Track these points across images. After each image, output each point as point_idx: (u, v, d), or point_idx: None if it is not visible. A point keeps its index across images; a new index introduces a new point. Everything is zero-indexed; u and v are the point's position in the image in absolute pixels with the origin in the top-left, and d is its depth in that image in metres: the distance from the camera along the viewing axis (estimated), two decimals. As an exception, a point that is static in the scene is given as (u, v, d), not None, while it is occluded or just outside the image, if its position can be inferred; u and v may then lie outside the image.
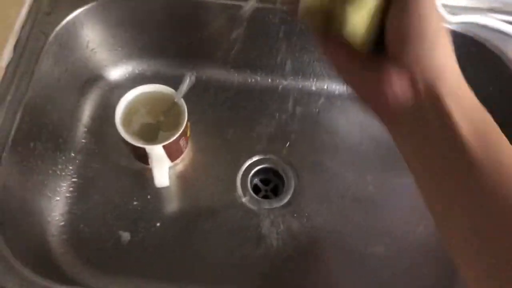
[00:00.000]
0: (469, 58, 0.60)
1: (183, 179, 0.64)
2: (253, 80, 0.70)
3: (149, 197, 0.62)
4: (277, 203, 0.63)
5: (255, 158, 0.65)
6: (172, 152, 0.60)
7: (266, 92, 0.70)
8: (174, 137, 0.56)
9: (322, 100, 0.69)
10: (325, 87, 0.70)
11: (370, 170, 0.64)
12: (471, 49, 0.59)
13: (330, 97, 0.70)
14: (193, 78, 0.57)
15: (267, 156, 0.65)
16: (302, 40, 0.65)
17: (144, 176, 0.62)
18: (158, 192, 0.62)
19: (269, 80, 0.70)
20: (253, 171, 0.65)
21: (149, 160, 0.57)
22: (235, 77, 0.71)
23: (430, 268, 0.59)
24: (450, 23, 0.58)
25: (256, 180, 0.66)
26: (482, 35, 0.57)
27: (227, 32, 0.64)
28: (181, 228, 0.61)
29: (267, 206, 0.62)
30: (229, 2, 0.62)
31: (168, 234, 0.60)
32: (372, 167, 0.65)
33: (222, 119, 0.68)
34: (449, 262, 0.50)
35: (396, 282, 0.58)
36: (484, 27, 0.57)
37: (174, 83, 0.59)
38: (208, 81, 0.70)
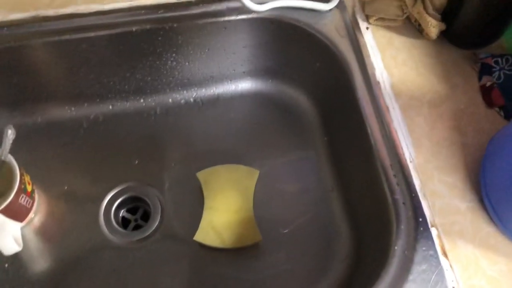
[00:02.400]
0: (288, 41, 0.61)
1: (42, 234, 0.60)
2: (93, 110, 0.67)
3: (6, 265, 0.57)
4: (148, 230, 0.60)
5: (114, 191, 0.62)
6: (16, 214, 0.55)
7: (107, 121, 0.67)
8: (8, 200, 0.52)
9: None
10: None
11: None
12: (288, 32, 0.60)
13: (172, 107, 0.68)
14: (13, 131, 0.53)
15: (126, 185, 0.63)
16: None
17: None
18: (16, 258, 0.57)
19: (110, 107, 0.67)
20: (115, 204, 0.62)
21: (-10, 229, 0.52)
22: (76, 111, 0.67)
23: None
24: (259, 12, 0.58)
25: (123, 212, 0.63)
26: (292, 16, 0.59)
27: (55, 70, 0.60)
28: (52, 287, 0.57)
29: (139, 237, 0.60)
30: (50, 39, 0.58)
31: (39, 298, 0.56)
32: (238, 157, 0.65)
33: (69, 160, 0.64)
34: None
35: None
36: (290, 8, 0.58)
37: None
38: (45, 123, 0.66)
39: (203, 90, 0.69)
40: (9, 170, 0.53)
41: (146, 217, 0.63)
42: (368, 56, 0.57)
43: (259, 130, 0.67)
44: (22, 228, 0.58)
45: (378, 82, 0.55)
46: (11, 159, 0.54)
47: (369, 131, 0.53)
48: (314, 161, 0.65)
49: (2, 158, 0.53)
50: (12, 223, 0.55)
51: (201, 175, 0.62)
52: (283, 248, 0.60)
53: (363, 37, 0.59)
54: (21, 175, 0.54)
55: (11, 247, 0.53)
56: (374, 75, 0.56)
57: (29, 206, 0.58)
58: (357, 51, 0.57)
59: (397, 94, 0.55)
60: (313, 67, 0.63)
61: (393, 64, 0.57)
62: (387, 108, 0.54)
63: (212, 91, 0.69)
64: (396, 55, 0.58)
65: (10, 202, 0.52)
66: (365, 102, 0.54)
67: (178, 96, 0.68)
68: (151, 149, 0.65)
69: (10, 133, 0.53)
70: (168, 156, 0.65)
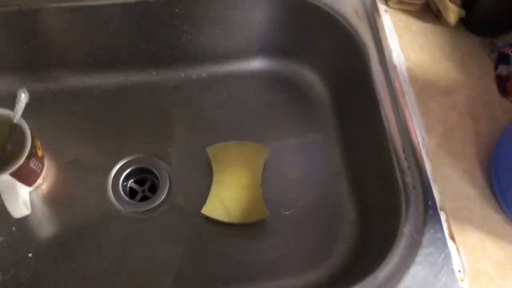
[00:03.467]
0: (305, 20, 0.61)
1: (50, 201, 0.60)
2: (105, 80, 0.67)
3: (13, 228, 0.57)
4: (155, 202, 0.61)
5: (122, 162, 0.62)
6: (26, 178, 0.55)
7: (119, 92, 0.66)
8: (20, 163, 0.52)
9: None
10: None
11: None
12: (306, 10, 0.60)
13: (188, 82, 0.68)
14: (27, 94, 0.53)
15: (135, 156, 0.63)
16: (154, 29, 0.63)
17: (3, 208, 0.57)
18: (23, 222, 0.57)
19: (122, 78, 0.67)
20: (123, 175, 0.62)
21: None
22: (88, 80, 0.66)
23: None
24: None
25: (130, 183, 0.63)
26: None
27: (69, 36, 0.60)
28: (58, 254, 0.57)
29: (146, 208, 0.60)
30: (66, 5, 0.58)
31: (45, 262, 0.56)
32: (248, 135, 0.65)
33: (79, 128, 0.64)
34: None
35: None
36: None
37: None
38: (56, 90, 0.65)
39: (216, 66, 0.69)
40: (21, 133, 0.53)
41: (153, 189, 0.63)
42: (386, 39, 0.57)
43: (269, 109, 0.67)
44: (30, 193, 0.58)
45: (395, 66, 0.55)
46: (23, 122, 0.54)
47: (382, 114, 0.54)
48: (323, 142, 0.65)
49: (14, 121, 0.53)
50: (22, 187, 0.55)
51: (211, 150, 0.62)
52: (288, 228, 0.60)
53: (381, 20, 0.58)
54: (33, 139, 0.54)
55: (21, 210, 0.53)
56: (391, 58, 0.56)
57: (39, 171, 0.58)
58: (375, 34, 0.57)
59: (413, 79, 0.55)
60: (328, 48, 0.62)
61: (410, 49, 0.57)
62: (402, 92, 0.54)
63: (225, 67, 0.69)
64: (413, 39, 0.57)
65: (21, 165, 0.52)
66: (380, 85, 0.54)
67: (190, 70, 0.68)
68: (162, 122, 0.65)
69: (24, 96, 0.53)
70: (178, 130, 0.65)
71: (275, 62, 0.69)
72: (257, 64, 0.69)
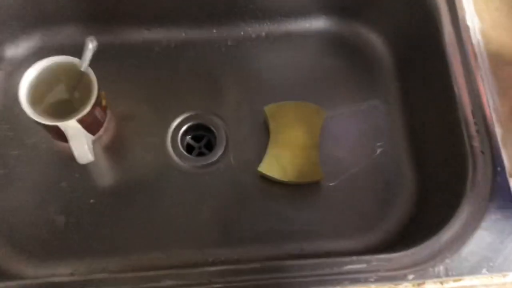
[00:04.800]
0: None
1: (111, 151, 0.62)
2: (166, 36, 0.67)
3: (77, 175, 0.59)
4: (212, 158, 0.61)
5: (180, 118, 0.63)
6: (90, 126, 0.57)
7: (178, 48, 0.67)
8: (87, 110, 0.53)
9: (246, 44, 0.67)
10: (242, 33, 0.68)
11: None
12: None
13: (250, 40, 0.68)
14: (95, 43, 0.54)
15: (194, 112, 0.63)
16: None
17: (68, 155, 0.59)
18: (86, 169, 0.59)
19: (183, 34, 0.67)
20: (182, 130, 0.63)
21: (67, 137, 0.54)
22: (149, 35, 0.67)
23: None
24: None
25: (187, 139, 0.64)
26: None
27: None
28: (117, 201, 0.59)
29: (203, 163, 0.61)
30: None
31: (105, 209, 0.58)
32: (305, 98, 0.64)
33: (139, 82, 0.65)
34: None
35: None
36: None
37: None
38: (122, 44, 0.66)
39: (276, 25, 0.68)
40: (88, 81, 0.55)
41: (210, 146, 0.64)
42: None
43: (329, 71, 0.66)
44: (92, 142, 0.60)
45: (468, 27, 0.53)
46: (90, 71, 0.55)
47: (453, 77, 0.52)
48: (384, 107, 0.64)
49: (82, 69, 0.54)
50: (86, 135, 0.57)
51: (268, 109, 0.62)
52: (343, 191, 0.60)
53: (454, -22, 0.56)
54: (98, 88, 0.55)
55: (86, 157, 0.55)
56: (464, 19, 0.53)
57: (102, 121, 0.60)
58: (447, -6, 0.55)
59: (486, 41, 0.53)
60: (394, 7, 0.60)
61: (484, 9, 0.54)
62: (475, 55, 0.52)
63: (284, 27, 0.68)
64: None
65: (88, 113, 0.54)
66: (451, 48, 0.52)
67: (250, 29, 0.68)
68: (220, 80, 0.65)
69: (91, 45, 0.54)
70: (235, 88, 0.65)
71: (336, 23, 0.67)
72: (318, 24, 0.68)
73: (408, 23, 0.60)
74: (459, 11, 0.54)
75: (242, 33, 0.68)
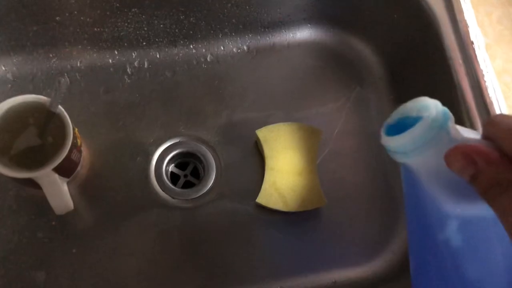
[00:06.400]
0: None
1: (88, 192, 0.55)
2: (139, 55, 0.60)
3: (53, 223, 0.53)
4: (202, 189, 0.56)
5: (164, 145, 0.57)
6: (66, 170, 0.50)
7: (156, 67, 0.60)
8: (64, 155, 0.46)
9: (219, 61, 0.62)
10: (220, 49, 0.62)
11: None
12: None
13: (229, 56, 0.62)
14: (66, 80, 0.47)
15: (176, 140, 0.58)
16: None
17: (40, 202, 0.52)
18: (63, 215, 0.53)
19: (156, 53, 0.61)
20: (166, 160, 0.57)
21: (42, 187, 0.47)
22: (120, 57, 0.60)
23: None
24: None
25: (171, 167, 0.59)
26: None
27: (95, 8, 0.53)
28: (101, 247, 0.53)
29: (193, 196, 0.56)
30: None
31: (89, 257, 0.52)
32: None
33: (112, 108, 0.58)
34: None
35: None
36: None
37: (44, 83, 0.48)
38: (85, 67, 0.59)
39: (258, 37, 0.63)
40: (61, 124, 0.48)
41: (196, 173, 0.59)
42: (461, 11, 0.51)
43: (316, 84, 0.62)
44: (67, 184, 0.54)
45: (472, 42, 0.50)
46: (62, 111, 0.48)
47: (459, 94, 0.49)
48: (377, 119, 0.61)
49: (52, 110, 0.47)
50: (62, 181, 0.50)
51: (260, 133, 0.57)
52: (345, 213, 0.57)
53: (454, -11, 0.53)
54: (73, 128, 0.48)
55: (65, 205, 0.48)
56: (467, 33, 0.50)
57: (78, 161, 0.53)
58: (448, 5, 0.52)
59: (491, 56, 0.50)
60: (388, 18, 0.57)
61: (487, 22, 0.52)
62: (482, 71, 0.49)
63: (267, 39, 0.63)
64: (491, 11, 0.52)
65: (64, 159, 0.47)
66: (457, 64, 0.50)
67: (230, 43, 0.62)
68: (201, 100, 0.60)
69: (63, 82, 0.47)
70: (219, 108, 0.60)
71: (323, 32, 0.63)
72: (303, 35, 0.63)
73: (403, 36, 0.57)
74: (460, 25, 0.51)
75: (222, 47, 0.62)
